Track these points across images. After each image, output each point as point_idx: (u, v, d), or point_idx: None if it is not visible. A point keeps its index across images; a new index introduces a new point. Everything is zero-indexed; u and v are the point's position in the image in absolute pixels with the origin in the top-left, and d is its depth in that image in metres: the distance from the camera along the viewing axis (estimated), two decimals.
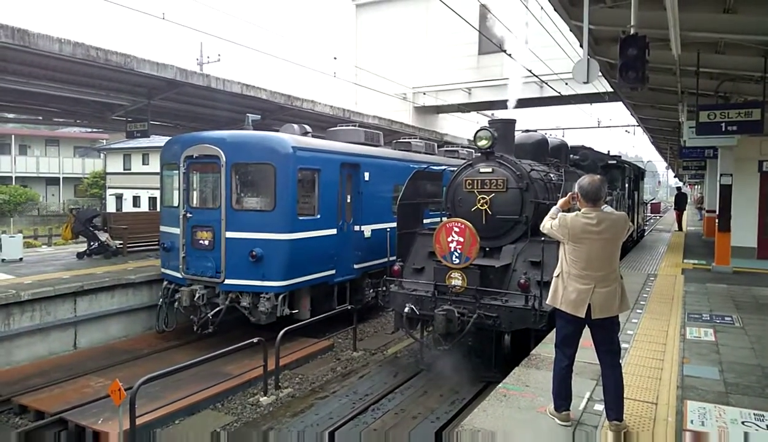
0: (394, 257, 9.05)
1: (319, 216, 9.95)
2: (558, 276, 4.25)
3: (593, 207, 4.10)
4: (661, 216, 41.58)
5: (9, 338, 8.67)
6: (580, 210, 4.17)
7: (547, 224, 4.32)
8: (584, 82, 6.68)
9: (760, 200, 13.83)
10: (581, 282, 4.06)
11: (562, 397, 4.30)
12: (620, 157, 16.26)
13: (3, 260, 12.01)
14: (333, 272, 10.28)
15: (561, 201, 4.38)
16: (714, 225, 12.81)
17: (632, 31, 6.30)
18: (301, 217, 9.51)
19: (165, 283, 10.12)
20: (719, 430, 4.21)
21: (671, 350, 6.24)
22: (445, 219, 8.39)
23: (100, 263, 12.01)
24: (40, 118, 15.38)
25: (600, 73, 8.87)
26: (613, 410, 4.09)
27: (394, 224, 9.48)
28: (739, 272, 11.96)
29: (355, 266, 10.98)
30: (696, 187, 46.70)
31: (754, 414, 4.48)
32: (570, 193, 4.31)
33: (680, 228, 23.95)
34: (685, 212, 26.52)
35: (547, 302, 4.50)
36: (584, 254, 4.06)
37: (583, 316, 4.06)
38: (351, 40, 29.62)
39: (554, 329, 4.50)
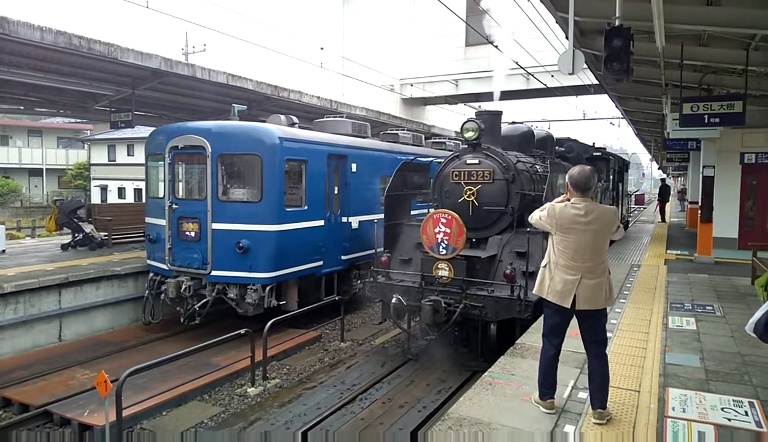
0: (382, 248, 9.08)
1: (306, 207, 9.93)
2: (545, 266, 4.29)
3: (582, 197, 4.14)
4: (645, 208, 42.05)
5: None
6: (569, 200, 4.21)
7: (536, 215, 4.35)
8: (569, 73, 6.74)
9: (742, 192, 14.05)
10: (568, 273, 4.10)
11: (548, 386, 4.37)
12: (605, 149, 16.39)
13: None
14: (320, 263, 10.28)
15: (556, 200, 4.37)
16: (696, 216, 13.00)
17: (617, 23, 6.36)
18: (288, 209, 9.48)
19: (151, 274, 10.04)
20: (699, 416, 4.31)
21: (654, 338, 6.35)
22: (432, 210, 8.42)
23: (85, 255, 11.90)
24: (22, 107, 15.11)
25: (585, 65, 8.93)
26: (598, 398, 4.17)
27: (382, 216, 9.49)
28: (721, 262, 12.16)
29: (343, 257, 10.98)
30: (679, 179, 47.32)
31: (733, 401, 4.60)
32: (564, 196, 4.31)
33: (663, 219, 24.27)
34: (668, 204, 26.88)
35: (533, 291, 4.55)
36: (572, 244, 4.10)
37: (568, 306, 4.10)
38: (338, 30, 29.45)
39: (539, 319, 4.55)
